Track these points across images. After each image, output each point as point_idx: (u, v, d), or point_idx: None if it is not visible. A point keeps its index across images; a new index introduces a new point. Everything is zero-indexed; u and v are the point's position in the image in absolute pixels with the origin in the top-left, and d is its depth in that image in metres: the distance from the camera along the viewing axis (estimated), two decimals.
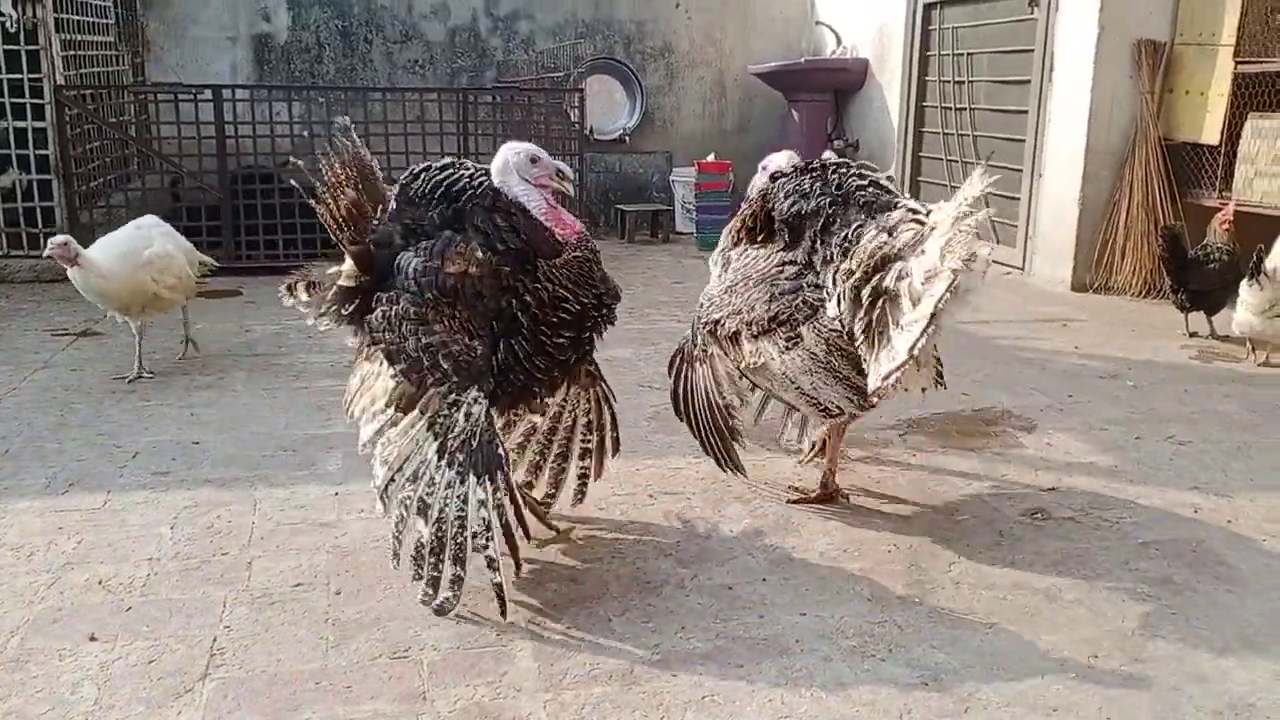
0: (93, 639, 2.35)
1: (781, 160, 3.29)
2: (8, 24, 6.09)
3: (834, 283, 2.80)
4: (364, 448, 2.62)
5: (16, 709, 2.10)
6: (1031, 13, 6.67)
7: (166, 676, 2.21)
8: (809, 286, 2.87)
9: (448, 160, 2.72)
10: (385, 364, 2.56)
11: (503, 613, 2.43)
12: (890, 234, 2.71)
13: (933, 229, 2.61)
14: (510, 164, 2.63)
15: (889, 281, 2.64)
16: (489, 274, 2.49)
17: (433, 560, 2.42)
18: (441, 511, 2.40)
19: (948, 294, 2.47)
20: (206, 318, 5.43)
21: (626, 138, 9.12)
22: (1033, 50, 6.67)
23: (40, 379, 4.30)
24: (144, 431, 3.71)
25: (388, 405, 2.55)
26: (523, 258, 2.54)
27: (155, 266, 4.29)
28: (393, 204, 2.72)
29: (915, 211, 2.73)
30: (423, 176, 2.67)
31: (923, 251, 2.59)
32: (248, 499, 3.15)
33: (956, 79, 7.55)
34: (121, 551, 2.78)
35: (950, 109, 7.64)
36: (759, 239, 3.15)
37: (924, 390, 2.98)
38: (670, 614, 2.50)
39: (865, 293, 2.68)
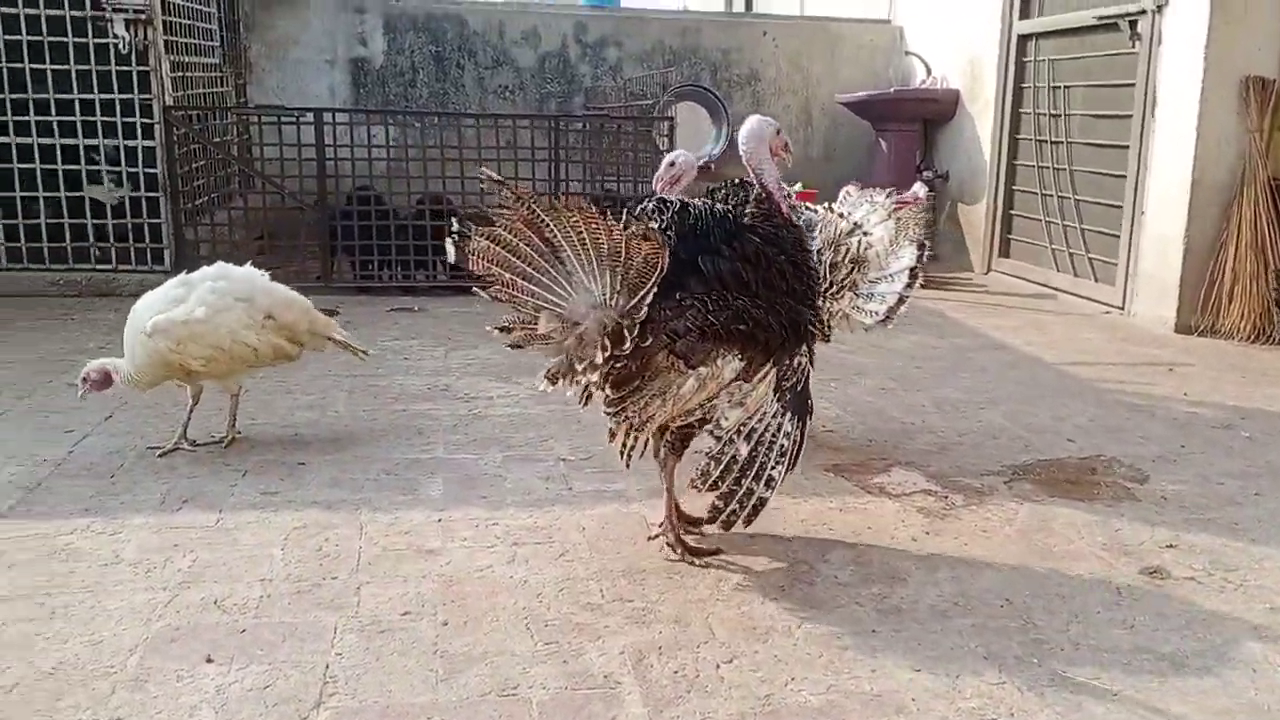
0: (209, 660, 2.39)
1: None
2: (120, 46, 6.32)
3: None
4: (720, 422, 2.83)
5: None
6: (1133, 46, 6.53)
7: (281, 703, 2.24)
8: None
9: (681, 200, 2.89)
10: (724, 357, 2.74)
11: (743, 522, 2.85)
12: None
13: None
14: (763, 133, 3.01)
15: None
16: (781, 263, 2.85)
17: (736, 474, 2.83)
18: (760, 435, 2.83)
19: None
20: None
21: (712, 165, 9.10)
22: (1134, 84, 6.52)
23: (149, 393, 4.41)
24: (251, 450, 3.79)
25: (735, 379, 2.79)
26: (783, 244, 2.89)
27: (171, 335, 3.51)
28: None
29: None
30: (693, 212, 2.82)
31: None
32: (354, 522, 3.19)
33: (1052, 111, 7.42)
34: (235, 571, 2.83)
35: (1045, 142, 7.50)
36: None
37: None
38: (779, 663, 2.46)
39: None
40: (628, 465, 2.91)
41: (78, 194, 6.52)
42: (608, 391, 2.75)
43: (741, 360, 2.77)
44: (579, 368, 2.67)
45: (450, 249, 2.70)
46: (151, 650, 2.42)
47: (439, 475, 3.62)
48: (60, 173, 6.46)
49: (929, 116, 8.68)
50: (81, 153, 6.42)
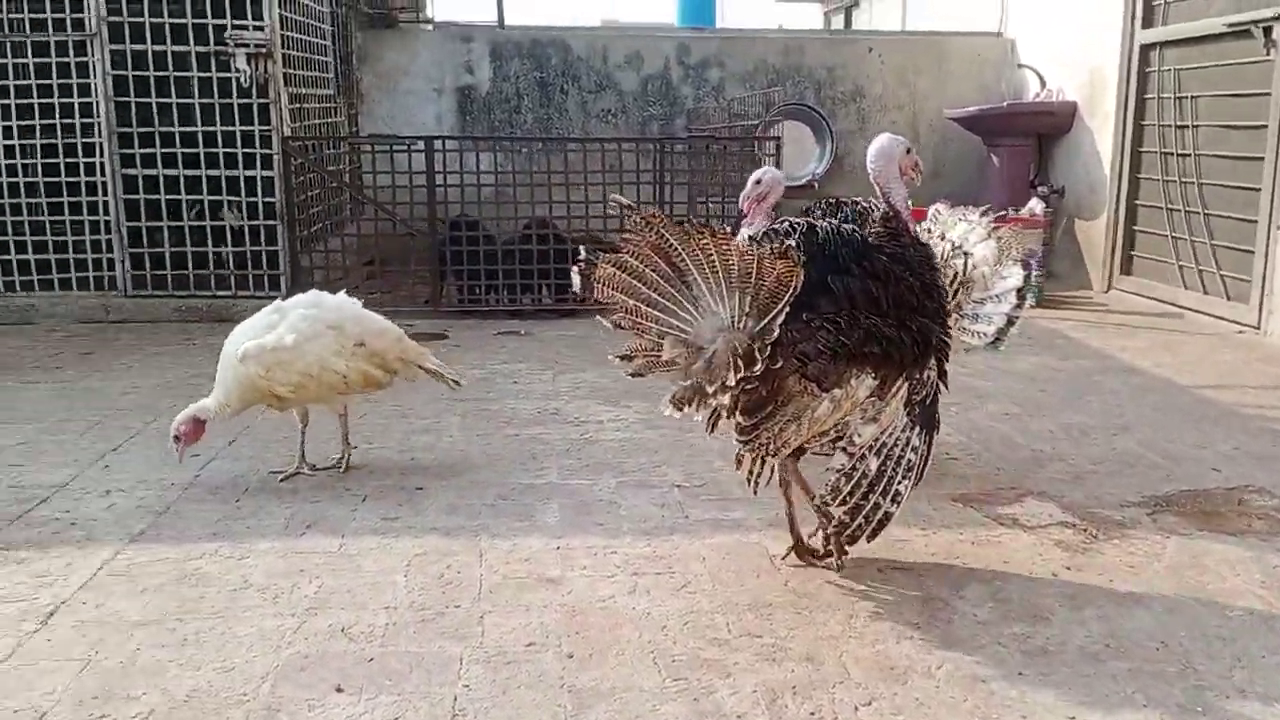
0: (339, 690, 2.38)
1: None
2: (242, 79, 6.53)
3: None
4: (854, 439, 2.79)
5: None
6: (1268, 53, 6.20)
7: None
8: None
9: (808, 221, 2.83)
10: (857, 377, 2.69)
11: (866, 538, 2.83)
12: None
13: None
14: (893, 152, 2.96)
15: None
16: (910, 280, 2.80)
17: (864, 489, 2.77)
18: (889, 450, 2.78)
19: None
20: None
21: (815, 183, 8.99)
22: (1269, 93, 6.19)
23: (271, 418, 4.50)
24: (369, 476, 3.82)
25: (869, 396, 2.74)
26: (910, 262, 2.83)
27: (261, 361, 3.54)
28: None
29: None
30: (822, 231, 2.76)
31: None
32: (473, 549, 3.17)
33: (1178, 123, 7.09)
34: (360, 598, 2.83)
35: (1171, 155, 7.17)
36: None
37: None
38: (920, 707, 2.34)
39: None
40: (755, 492, 2.84)
41: (200, 223, 6.75)
42: (739, 419, 2.69)
43: (875, 379, 2.72)
44: (710, 389, 2.62)
45: (576, 277, 2.67)
46: (282, 678, 2.43)
47: (554, 501, 3.59)
48: (184, 203, 6.70)
49: (1044, 130, 8.41)
50: (204, 183, 6.65)
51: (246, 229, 6.71)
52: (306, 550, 3.15)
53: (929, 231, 3.76)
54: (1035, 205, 7.56)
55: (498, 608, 2.79)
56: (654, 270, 2.58)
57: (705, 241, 2.50)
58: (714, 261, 2.53)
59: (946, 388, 2.91)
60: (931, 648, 2.59)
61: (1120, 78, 7.62)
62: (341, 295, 3.84)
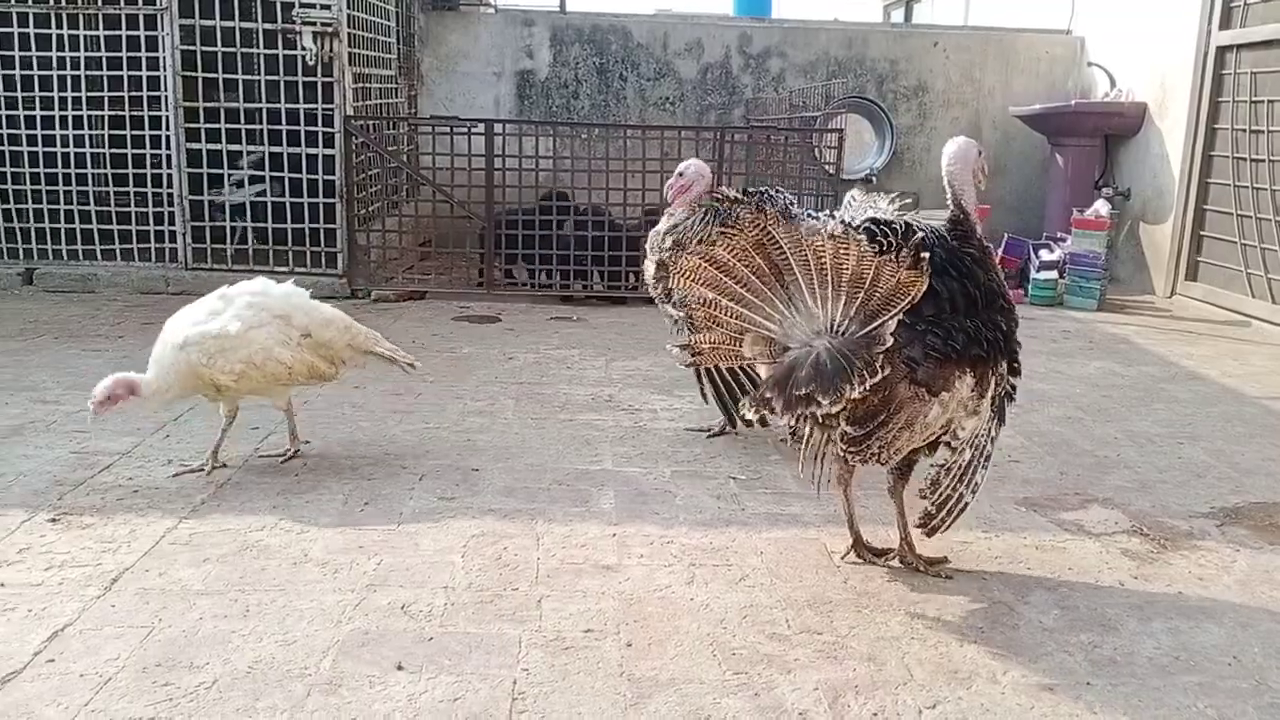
0: (400, 668, 2.38)
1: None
2: (307, 57, 6.57)
3: None
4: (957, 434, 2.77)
5: None
6: None
7: (472, 718, 2.21)
8: None
9: (905, 222, 2.74)
10: (961, 379, 2.66)
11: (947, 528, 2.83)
12: None
13: None
14: (969, 155, 2.96)
15: None
16: (988, 280, 2.80)
17: (955, 481, 2.77)
18: (977, 440, 2.77)
19: None
20: (472, 343, 5.64)
21: (873, 178, 8.87)
22: None
23: (327, 394, 4.53)
24: (426, 454, 3.83)
25: (970, 394, 2.71)
26: (984, 263, 2.84)
27: (204, 349, 3.37)
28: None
29: None
30: (922, 233, 2.71)
31: None
32: (530, 533, 3.16)
33: (1253, 128, 6.90)
34: (418, 577, 2.83)
35: (1244, 159, 6.98)
36: None
37: None
38: (986, 713, 2.29)
39: None
40: (818, 493, 2.80)
41: (261, 199, 6.82)
42: (848, 429, 2.63)
43: (974, 377, 2.69)
44: (824, 400, 2.52)
45: (650, 265, 2.66)
46: (343, 654, 2.43)
47: (609, 488, 3.57)
48: (246, 179, 6.77)
49: (1111, 131, 8.23)
50: (267, 159, 6.71)
51: (306, 206, 6.75)
52: (365, 526, 3.16)
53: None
54: (1101, 207, 7.42)
55: (555, 592, 2.78)
56: (748, 265, 2.57)
57: (822, 243, 2.48)
58: (825, 263, 2.50)
59: (1019, 379, 2.89)
60: (996, 653, 2.54)
61: (1194, 79, 7.43)
62: (289, 284, 3.68)
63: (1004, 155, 9.07)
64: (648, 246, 4.15)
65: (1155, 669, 2.50)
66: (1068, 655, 2.55)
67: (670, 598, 2.78)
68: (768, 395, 2.62)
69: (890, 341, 2.50)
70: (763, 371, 2.68)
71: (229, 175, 6.89)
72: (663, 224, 4.11)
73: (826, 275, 2.51)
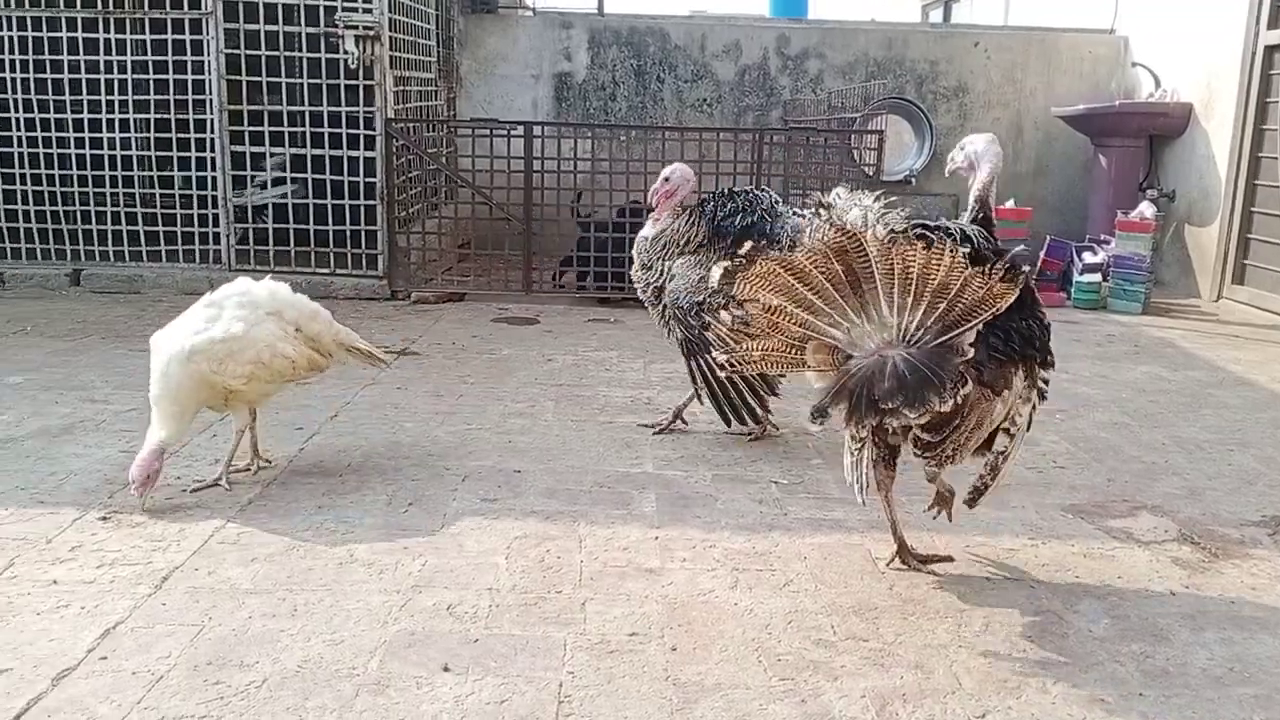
0: (446, 669, 2.39)
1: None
2: (350, 61, 6.63)
3: None
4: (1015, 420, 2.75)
5: None
6: None
7: None
8: None
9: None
10: (1016, 374, 2.69)
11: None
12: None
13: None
14: (995, 153, 2.99)
15: None
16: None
17: (1009, 461, 2.76)
18: (1018, 421, 2.74)
19: None
20: (512, 345, 5.66)
21: (913, 179, 8.81)
22: None
23: (370, 395, 4.58)
24: (469, 455, 3.85)
25: (1027, 386, 2.75)
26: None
27: (212, 355, 3.31)
28: None
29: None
30: (973, 236, 2.74)
31: None
32: (572, 535, 3.17)
33: None
34: (463, 578, 2.85)
35: None
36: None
37: None
38: None
39: None
40: (863, 501, 2.78)
41: (302, 200, 6.89)
42: (924, 436, 2.62)
43: (1024, 371, 2.73)
44: (911, 415, 2.49)
45: (716, 271, 2.69)
46: (390, 654, 2.45)
47: (650, 490, 3.57)
48: (288, 181, 6.84)
49: (1156, 131, 8.11)
50: (308, 162, 6.78)
51: (347, 209, 6.81)
52: (409, 527, 3.18)
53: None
54: (1146, 209, 7.31)
55: (599, 595, 2.78)
56: (824, 272, 2.53)
57: (910, 251, 2.45)
58: (911, 271, 2.46)
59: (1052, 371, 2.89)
60: (1046, 662, 2.51)
61: (1241, 79, 7.31)
62: (268, 280, 3.63)
63: (1046, 156, 8.99)
64: (635, 252, 4.20)
65: (1209, 680, 2.46)
66: (1119, 665, 2.51)
67: (714, 602, 2.77)
68: (828, 405, 2.58)
69: (971, 353, 2.48)
70: (818, 381, 2.63)
71: (251, 177, 6.96)
72: (649, 229, 4.15)
73: (910, 284, 2.46)
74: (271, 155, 6.96)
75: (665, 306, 4.01)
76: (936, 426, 2.59)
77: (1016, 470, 3.80)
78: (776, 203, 4.04)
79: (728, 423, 4.05)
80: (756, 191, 4.09)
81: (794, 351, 2.60)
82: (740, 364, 2.71)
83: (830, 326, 2.55)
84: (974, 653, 2.55)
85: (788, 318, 2.57)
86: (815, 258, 2.54)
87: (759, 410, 4.02)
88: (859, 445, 2.73)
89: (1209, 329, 6.66)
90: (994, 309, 2.44)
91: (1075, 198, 8.75)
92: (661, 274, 4.03)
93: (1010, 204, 7.62)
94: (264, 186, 7.14)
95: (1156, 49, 8.43)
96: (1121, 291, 7.14)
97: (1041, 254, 7.58)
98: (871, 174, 7.14)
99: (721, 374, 3.58)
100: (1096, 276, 7.24)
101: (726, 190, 4.09)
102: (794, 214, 3.98)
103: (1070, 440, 4.23)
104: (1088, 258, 7.40)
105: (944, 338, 2.47)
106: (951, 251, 2.45)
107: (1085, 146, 8.62)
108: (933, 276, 2.45)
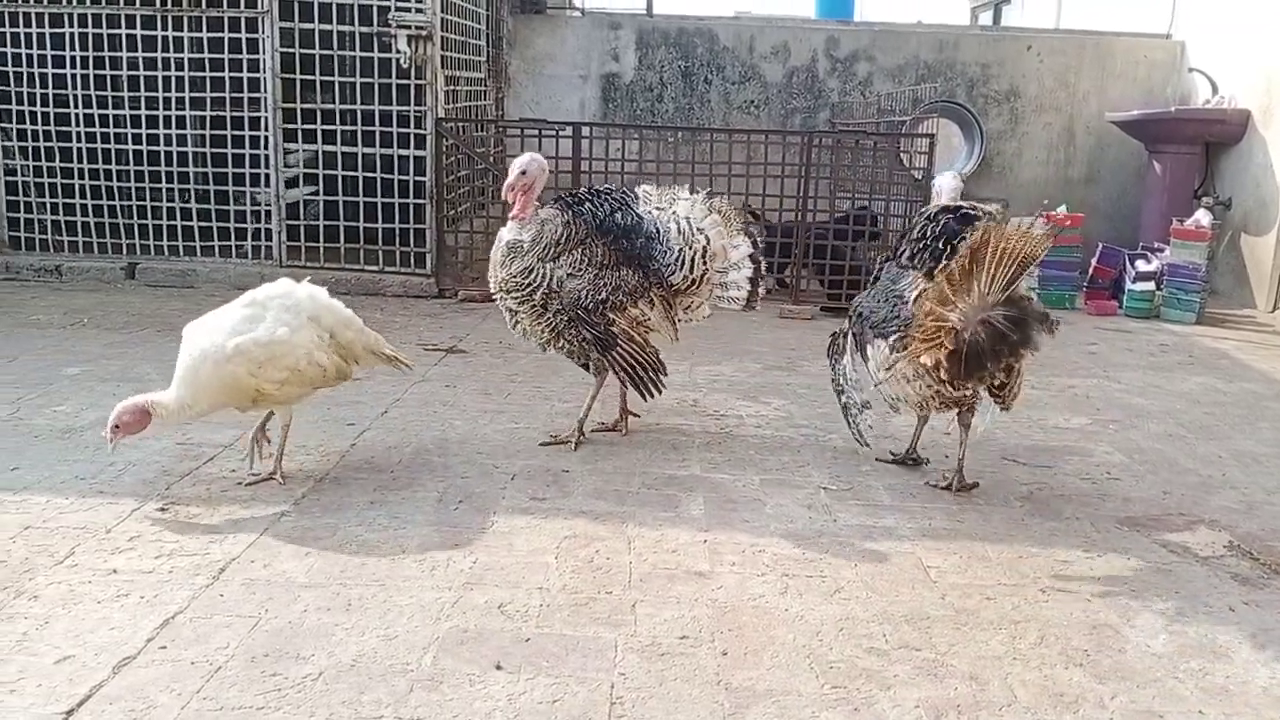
0: (499, 668, 2.40)
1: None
2: (402, 60, 6.69)
3: None
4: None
5: None
6: None
7: None
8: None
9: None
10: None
11: None
12: None
13: None
14: (953, 187, 3.94)
15: None
16: None
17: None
18: None
19: None
20: None
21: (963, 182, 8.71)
22: None
23: (419, 392, 4.62)
24: (517, 454, 3.87)
25: None
26: None
27: (253, 358, 3.25)
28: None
29: None
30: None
31: None
32: (621, 536, 3.17)
33: None
34: (513, 576, 2.86)
35: None
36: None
37: None
38: None
39: None
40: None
41: (353, 198, 6.96)
42: (1003, 379, 3.29)
43: None
44: (1026, 354, 3.19)
45: (913, 291, 3.63)
46: (443, 651, 2.47)
47: (698, 493, 3.57)
48: (340, 179, 6.91)
49: (1212, 138, 7.97)
50: (359, 160, 6.85)
51: (396, 207, 6.87)
52: (460, 525, 3.20)
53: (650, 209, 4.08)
54: (1202, 217, 7.19)
55: (649, 597, 2.79)
56: (964, 271, 3.12)
57: (1014, 234, 3.03)
58: (1009, 251, 3.02)
59: None
60: (1103, 677, 2.48)
61: None
62: (307, 283, 3.55)
63: (1098, 162, 8.86)
64: (499, 256, 3.92)
65: (1271, 700, 2.41)
66: (1178, 682, 2.47)
67: (764, 607, 2.77)
68: (945, 378, 3.23)
69: (1032, 295, 3.20)
70: (929, 359, 3.21)
71: (274, 176, 7.04)
72: (514, 232, 3.88)
73: (1003, 261, 3.02)
74: (287, 151, 7.02)
75: (558, 310, 3.86)
76: (1009, 369, 3.23)
77: (1070, 481, 3.80)
78: (638, 200, 4.11)
79: (646, 398, 4.14)
80: (621, 191, 4.14)
81: (932, 343, 3.20)
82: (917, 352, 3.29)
83: (954, 313, 3.16)
84: (1029, 665, 2.52)
85: (939, 318, 3.18)
86: (968, 263, 3.12)
87: (661, 382, 4.17)
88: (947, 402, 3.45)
89: (1264, 340, 6.53)
90: (1038, 260, 3.06)
91: (1128, 205, 8.63)
92: (544, 276, 3.83)
93: (1062, 210, 7.52)
94: (288, 185, 7.19)
95: (1214, 54, 8.28)
96: (1176, 301, 7.02)
97: (1094, 261, 7.48)
98: (920, 178, 7.09)
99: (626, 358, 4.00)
100: (1150, 285, 7.13)
101: (593, 189, 4.15)
102: (656, 209, 4.09)
103: (1124, 451, 4.17)
104: (1141, 266, 7.29)
105: (1009, 290, 3.07)
106: (1039, 227, 3.06)
107: (1138, 153, 8.49)
108: (1019, 251, 3.00)
